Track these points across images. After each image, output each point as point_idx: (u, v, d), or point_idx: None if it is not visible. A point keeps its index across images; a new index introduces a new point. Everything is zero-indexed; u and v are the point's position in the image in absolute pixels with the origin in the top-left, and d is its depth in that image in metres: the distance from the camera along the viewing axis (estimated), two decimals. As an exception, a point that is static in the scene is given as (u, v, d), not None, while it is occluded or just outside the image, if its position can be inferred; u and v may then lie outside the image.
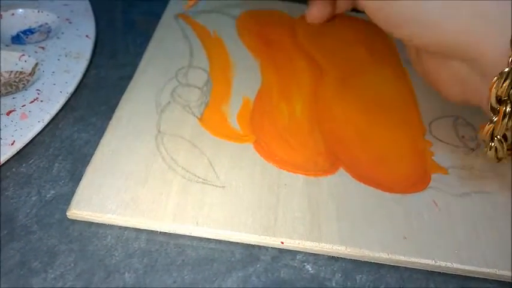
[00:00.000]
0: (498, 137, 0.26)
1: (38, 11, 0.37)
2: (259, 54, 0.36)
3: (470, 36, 0.25)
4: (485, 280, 0.24)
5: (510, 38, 0.23)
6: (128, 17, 0.40)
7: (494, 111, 0.25)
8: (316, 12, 0.36)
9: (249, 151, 0.29)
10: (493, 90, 0.24)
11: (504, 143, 0.26)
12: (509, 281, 0.24)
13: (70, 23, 0.36)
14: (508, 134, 0.26)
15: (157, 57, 0.34)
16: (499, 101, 0.25)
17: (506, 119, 0.25)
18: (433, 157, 0.29)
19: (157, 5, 0.40)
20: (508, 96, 0.24)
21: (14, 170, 0.27)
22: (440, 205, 0.27)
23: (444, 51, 0.27)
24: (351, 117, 0.31)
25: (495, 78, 0.24)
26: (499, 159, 0.28)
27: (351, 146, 0.29)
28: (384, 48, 0.38)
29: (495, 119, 0.25)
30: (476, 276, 0.24)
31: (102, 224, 0.25)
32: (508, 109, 0.24)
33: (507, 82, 0.23)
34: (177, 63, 0.34)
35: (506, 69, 0.23)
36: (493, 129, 0.26)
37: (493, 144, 0.27)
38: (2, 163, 0.26)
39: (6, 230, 0.24)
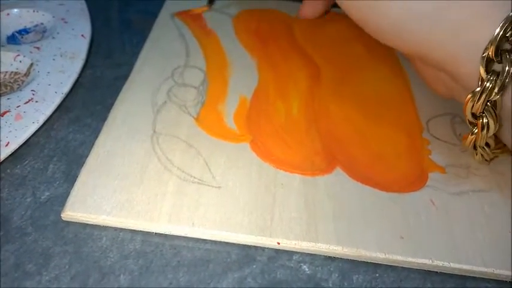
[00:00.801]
0: (480, 145, 0.27)
1: (34, 11, 0.37)
2: (256, 53, 0.36)
3: (446, 51, 0.25)
4: (482, 279, 0.24)
5: (480, 56, 0.23)
6: (124, 16, 0.40)
7: (473, 125, 0.26)
8: (308, 12, 0.35)
9: (245, 151, 0.28)
10: (467, 108, 0.25)
11: (488, 149, 0.27)
12: (507, 280, 0.24)
13: (65, 22, 0.36)
14: (490, 140, 0.26)
15: (154, 56, 0.34)
16: (475, 116, 0.25)
17: (485, 131, 0.25)
18: (430, 156, 0.29)
19: (153, 5, 0.40)
20: (483, 111, 0.24)
21: (8, 171, 0.27)
22: (438, 204, 0.26)
23: (424, 61, 0.27)
24: (348, 116, 0.31)
25: (468, 96, 0.24)
26: (489, 161, 0.28)
27: (347, 145, 0.29)
28: (381, 46, 0.37)
29: (475, 131, 0.26)
30: (473, 275, 0.24)
31: (97, 225, 0.25)
32: (485, 121, 0.25)
33: (481, 100, 0.24)
34: (173, 63, 0.34)
35: (478, 89, 0.24)
36: (475, 141, 0.26)
37: (477, 152, 0.27)
38: (-4, 164, 0.26)
39: (0, 232, 0.24)
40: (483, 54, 0.23)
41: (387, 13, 0.25)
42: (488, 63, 0.23)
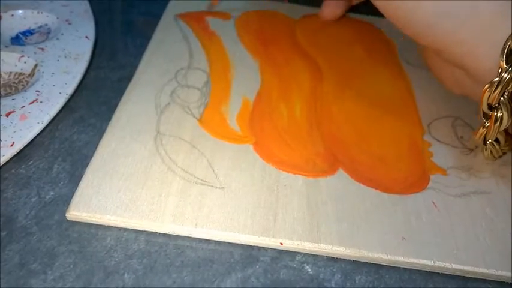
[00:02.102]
0: (490, 140, 0.27)
1: (38, 12, 0.37)
2: (258, 55, 0.36)
3: (469, 48, 0.25)
4: (484, 281, 0.24)
5: (501, 48, 0.24)
6: (128, 17, 0.40)
7: (486, 117, 0.26)
8: (328, 13, 0.36)
9: (248, 152, 0.29)
10: (484, 98, 0.25)
11: (497, 145, 0.27)
12: (508, 281, 0.24)
13: (69, 24, 0.36)
14: (500, 137, 0.26)
15: (157, 58, 0.34)
16: (490, 107, 0.26)
17: (497, 124, 0.26)
18: (432, 158, 0.29)
19: (156, 6, 0.40)
20: (499, 102, 0.25)
21: (13, 171, 0.27)
22: (440, 206, 0.27)
23: (443, 56, 0.27)
24: (350, 118, 0.31)
25: (486, 86, 0.25)
26: (496, 157, 0.29)
27: (350, 147, 0.30)
28: (383, 48, 0.38)
29: (487, 124, 0.26)
30: (475, 276, 0.24)
31: (101, 225, 0.25)
32: (499, 114, 0.25)
33: (498, 90, 0.24)
34: (176, 64, 0.34)
35: (496, 79, 0.24)
36: (486, 134, 0.27)
37: (486, 147, 0.28)
38: (1, 164, 0.27)
39: (5, 231, 0.24)
40: (504, 45, 0.23)
41: (418, 9, 0.26)
42: (508, 55, 0.24)
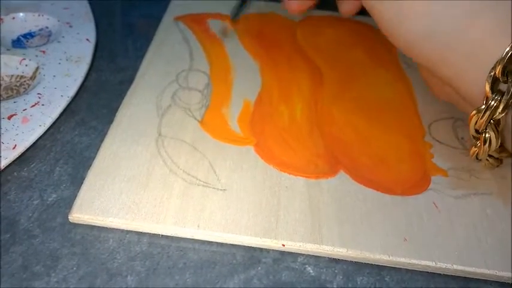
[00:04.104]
0: (483, 158, 0.27)
1: (39, 15, 0.37)
2: (259, 56, 0.36)
3: (457, 69, 0.25)
4: (485, 281, 0.24)
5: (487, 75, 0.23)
6: (128, 20, 0.40)
7: (476, 139, 0.26)
8: (294, 5, 0.35)
9: (249, 154, 0.29)
10: (471, 124, 0.25)
11: (493, 159, 0.27)
12: (509, 282, 0.24)
13: (70, 26, 0.36)
14: (494, 153, 0.27)
15: (158, 60, 0.35)
16: (477, 131, 0.25)
17: (487, 145, 0.25)
18: (432, 159, 0.29)
19: (157, 8, 0.40)
20: (486, 127, 0.25)
21: (15, 174, 0.27)
22: (441, 207, 0.27)
23: (433, 74, 0.27)
24: (351, 119, 0.32)
25: (473, 112, 0.25)
26: (494, 167, 0.28)
27: (350, 149, 0.30)
28: (384, 50, 0.38)
29: (479, 144, 0.26)
30: (476, 277, 0.24)
31: (104, 227, 0.25)
32: (487, 136, 0.25)
33: (484, 118, 0.24)
34: (177, 66, 0.34)
35: (483, 107, 0.24)
36: (477, 154, 0.27)
37: (482, 162, 0.28)
38: (3, 167, 0.27)
39: (8, 234, 0.24)
40: (490, 73, 0.23)
41: (411, 28, 0.26)
42: (494, 82, 0.23)
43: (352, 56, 0.37)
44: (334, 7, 0.35)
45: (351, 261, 0.25)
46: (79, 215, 0.25)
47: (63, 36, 0.35)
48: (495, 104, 0.24)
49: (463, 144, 0.30)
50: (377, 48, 0.38)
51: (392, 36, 0.27)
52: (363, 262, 0.25)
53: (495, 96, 0.24)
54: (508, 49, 0.23)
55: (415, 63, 0.31)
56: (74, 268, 0.23)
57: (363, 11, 0.40)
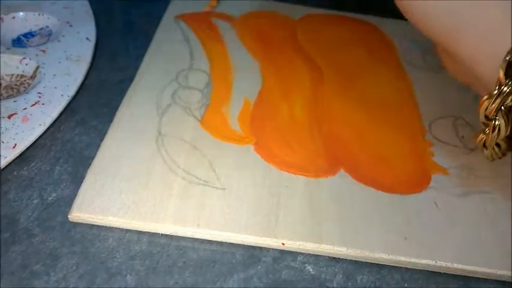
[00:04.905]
0: (490, 145, 0.27)
1: (39, 14, 0.37)
2: (259, 55, 0.36)
3: (472, 51, 0.25)
4: (485, 280, 0.24)
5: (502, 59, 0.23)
6: (128, 19, 0.40)
7: (485, 125, 0.26)
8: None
9: (249, 153, 0.29)
10: (482, 109, 0.25)
11: (498, 149, 0.27)
12: (510, 280, 0.24)
13: (70, 26, 0.36)
14: (502, 142, 0.26)
15: (158, 59, 0.35)
16: (488, 117, 0.25)
17: (495, 132, 0.25)
18: (433, 157, 0.29)
19: (157, 7, 0.40)
20: (496, 114, 0.25)
21: (15, 173, 0.27)
22: (441, 205, 0.27)
23: (450, 54, 0.27)
24: (351, 118, 0.32)
25: (485, 97, 0.24)
26: (495, 158, 0.28)
27: (350, 147, 0.30)
28: (384, 49, 0.38)
29: (487, 131, 0.26)
30: (476, 276, 0.24)
31: (103, 226, 0.25)
32: (497, 123, 0.25)
33: (495, 104, 0.24)
34: (177, 65, 0.34)
35: (495, 92, 0.24)
36: (485, 140, 0.26)
37: (487, 150, 0.28)
38: (3, 166, 0.27)
39: (8, 233, 0.24)
40: (506, 57, 0.23)
41: (429, 1, 0.25)
42: (508, 67, 0.23)
43: (352, 55, 0.37)
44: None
45: (351, 260, 0.25)
46: (79, 214, 0.25)
47: (63, 36, 0.35)
48: (508, 90, 0.23)
49: (463, 142, 0.30)
50: (378, 46, 0.38)
51: (409, 10, 0.27)
52: (363, 261, 0.25)
53: (508, 81, 0.23)
54: None
55: (416, 62, 0.31)
56: (74, 267, 0.23)
57: (363, 10, 0.40)
